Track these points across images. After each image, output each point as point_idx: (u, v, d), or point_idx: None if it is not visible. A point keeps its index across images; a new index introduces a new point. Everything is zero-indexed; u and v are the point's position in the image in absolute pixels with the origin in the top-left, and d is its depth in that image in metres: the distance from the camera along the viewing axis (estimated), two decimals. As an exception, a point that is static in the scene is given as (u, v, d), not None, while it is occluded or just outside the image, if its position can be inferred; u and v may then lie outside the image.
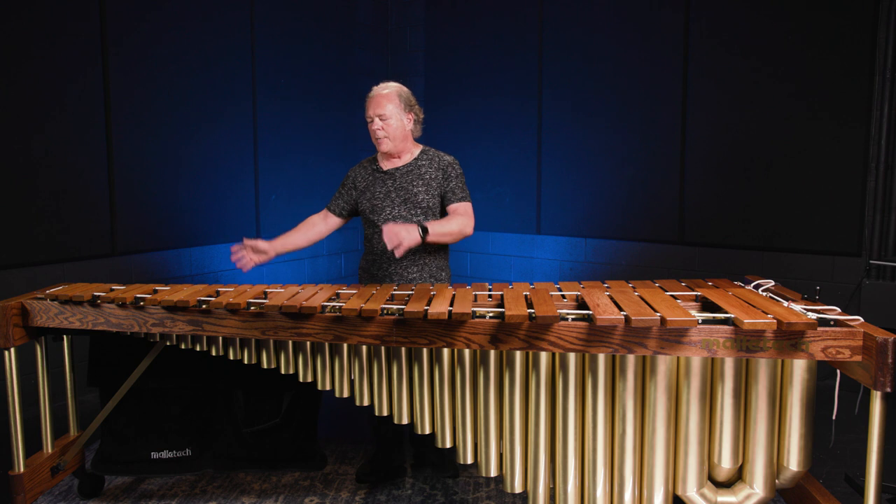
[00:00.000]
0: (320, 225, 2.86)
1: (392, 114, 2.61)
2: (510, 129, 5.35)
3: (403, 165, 2.69)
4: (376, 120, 2.60)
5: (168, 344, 2.43)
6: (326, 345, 2.19)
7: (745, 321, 1.68)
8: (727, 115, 4.35)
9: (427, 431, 2.07)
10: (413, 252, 2.64)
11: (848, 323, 1.71)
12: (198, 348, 2.37)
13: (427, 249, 2.67)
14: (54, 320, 2.41)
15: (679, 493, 1.84)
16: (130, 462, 2.77)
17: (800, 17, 4.04)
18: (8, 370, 2.42)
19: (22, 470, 2.44)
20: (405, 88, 2.70)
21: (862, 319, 1.74)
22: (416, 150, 2.74)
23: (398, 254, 2.37)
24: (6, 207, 3.53)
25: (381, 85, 2.68)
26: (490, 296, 2.20)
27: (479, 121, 5.48)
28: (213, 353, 2.35)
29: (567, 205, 5.12)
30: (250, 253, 2.67)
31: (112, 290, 2.46)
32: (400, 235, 2.35)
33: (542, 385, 1.90)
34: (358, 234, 5.43)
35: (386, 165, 2.71)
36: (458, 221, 2.60)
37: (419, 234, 2.42)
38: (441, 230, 2.53)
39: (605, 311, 1.80)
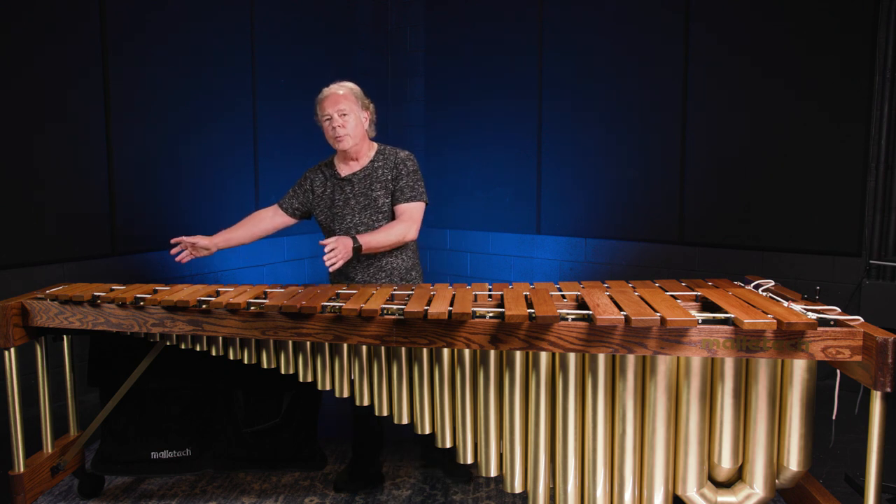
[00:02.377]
0: (267, 221, 2.78)
1: (350, 111, 2.56)
2: (510, 129, 5.34)
3: (361, 170, 2.64)
4: (335, 117, 2.55)
5: (168, 344, 2.43)
6: (326, 345, 2.19)
7: (745, 321, 1.68)
8: (727, 115, 4.35)
9: (427, 431, 2.07)
10: (377, 258, 2.62)
11: (848, 323, 1.71)
12: (198, 348, 2.36)
13: (392, 253, 2.64)
14: (54, 320, 2.41)
15: (679, 493, 1.84)
16: (130, 462, 2.77)
17: (800, 17, 4.04)
18: (8, 370, 2.42)
19: (22, 470, 2.44)
20: (358, 88, 2.65)
21: (862, 319, 1.74)
22: (372, 150, 2.68)
23: (332, 268, 2.37)
24: (6, 207, 3.53)
25: (335, 85, 2.62)
26: (490, 296, 2.20)
27: (479, 121, 5.48)
28: (213, 353, 2.35)
29: (567, 205, 5.12)
30: (190, 248, 2.62)
31: (112, 290, 2.46)
32: (338, 252, 2.36)
33: (542, 385, 1.90)
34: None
35: (344, 171, 2.66)
36: (398, 230, 2.56)
37: (352, 247, 2.43)
38: (376, 243, 2.51)
39: (605, 311, 1.80)
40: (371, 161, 2.65)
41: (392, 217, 2.63)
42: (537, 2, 5.12)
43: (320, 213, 2.69)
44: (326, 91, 2.61)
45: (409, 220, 2.58)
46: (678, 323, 1.71)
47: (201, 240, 2.61)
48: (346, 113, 2.56)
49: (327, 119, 2.57)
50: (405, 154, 2.67)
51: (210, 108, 4.53)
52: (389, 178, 2.62)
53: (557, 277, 5.18)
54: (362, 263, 2.62)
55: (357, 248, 2.45)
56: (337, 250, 2.36)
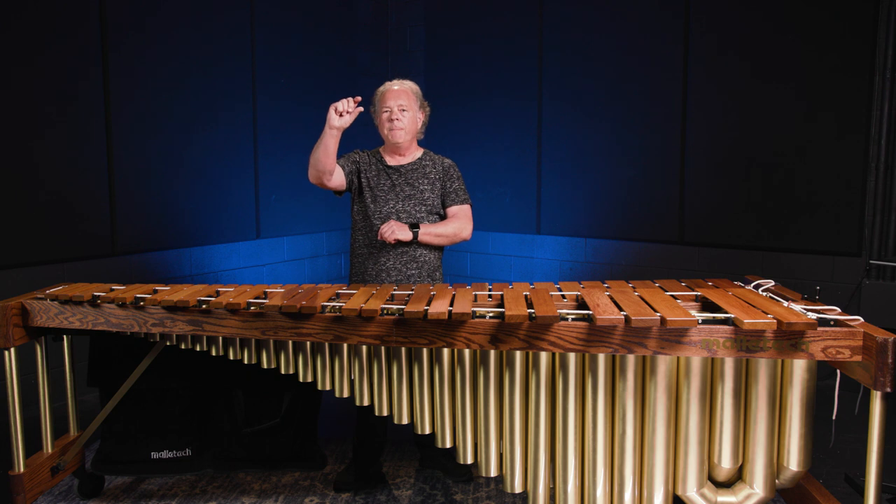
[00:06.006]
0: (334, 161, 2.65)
1: (409, 107, 2.67)
2: (510, 129, 5.35)
3: (408, 163, 2.73)
4: (394, 110, 2.64)
5: (168, 344, 2.43)
6: (326, 345, 2.19)
7: (745, 321, 1.68)
8: (727, 115, 4.35)
9: (427, 431, 2.07)
10: (413, 248, 2.66)
11: (848, 323, 1.71)
12: (198, 348, 2.36)
13: (428, 247, 2.69)
14: (54, 320, 2.41)
15: (679, 493, 1.84)
16: (130, 462, 2.77)
17: (800, 17, 4.04)
18: (8, 370, 2.42)
19: (22, 470, 2.44)
20: (418, 88, 2.75)
21: (862, 319, 1.74)
22: (419, 151, 2.78)
23: (387, 239, 2.55)
24: (6, 207, 3.53)
25: (397, 80, 2.72)
26: (490, 296, 2.20)
27: (479, 121, 5.48)
28: (213, 353, 2.35)
29: (567, 205, 5.12)
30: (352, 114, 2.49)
31: (112, 290, 2.46)
32: (393, 227, 2.54)
33: (542, 385, 1.90)
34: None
35: (390, 161, 2.74)
36: (455, 225, 2.70)
37: (410, 231, 2.60)
38: (434, 230, 2.65)
39: (605, 311, 1.80)
40: (419, 159, 2.75)
41: (434, 212, 2.72)
42: (537, 2, 5.12)
43: (364, 192, 2.70)
44: (389, 84, 2.70)
45: (463, 219, 2.72)
46: (678, 323, 1.71)
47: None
48: (406, 109, 2.65)
49: (386, 111, 2.65)
50: (450, 161, 2.79)
51: (210, 108, 4.53)
52: (436, 178, 2.72)
53: (557, 277, 5.18)
54: (396, 251, 2.66)
55: (415, 231, 2.61)
56: (391, 225, 2.56)
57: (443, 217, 2.75)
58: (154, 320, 2.28)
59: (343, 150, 2.65)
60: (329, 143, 2.52)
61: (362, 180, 2.71)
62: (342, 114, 2.47)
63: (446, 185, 2.73)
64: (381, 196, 2.68)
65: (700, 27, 4.41)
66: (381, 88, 2.71)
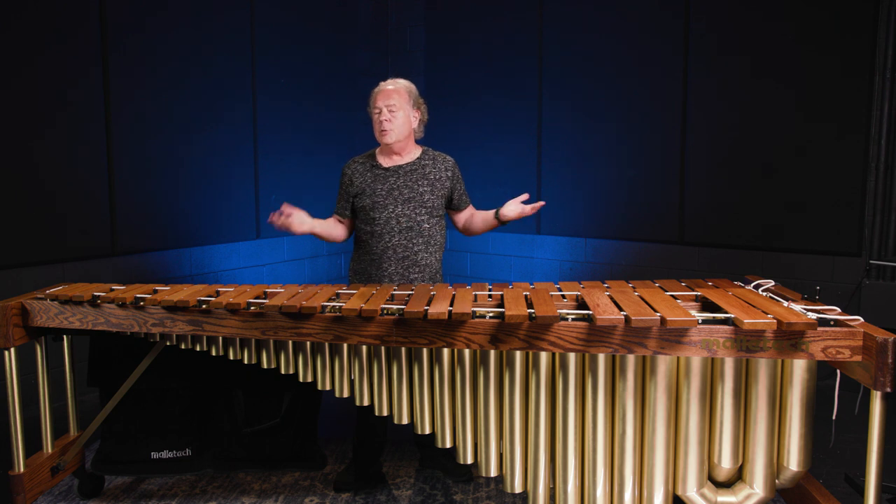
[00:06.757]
0: (339, 228, 2.81)
1: (400, 107, 2.64)
2: (510, 129, 5.34)
3: (406, 164, 2.70)
4: (384, 111, 2.62)
5: (168, 344, 2.43)
6: (326, 345, 2.19)
7: (745, 321, 1.68)
8: (727, 115, 4.35)
9: (427, 431, 2.07)
10: (415, 253, 2.65)
11: (848, 323, 1.71)
12: (198, 348, 2.37)
13: (428, 249, 2.68)
14: (54, 320, 2.41)
15: (679, 493, 1.84)
16: (130, 462, 2.77)
17: (800, 18, 4.04)
18: (8, 370, 2.42)
19: (22, 470, 2.44)
20: (413, 86, 2.73)
21: (862, 319, 1.74)
22: (418, 150, 2.76)
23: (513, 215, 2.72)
24: (7, 207, 3.53)
25: (391, 80, 2.71)
26: (490, 296, 2.20)
27: (479, 121, 5.48)
28: (213, 353, 2.35)
29: (567, 205, 5.12)
30: (284, 219, 2.59)
31: (112, 290, 2.46)
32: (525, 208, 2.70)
33: (542, 385, 1.90)
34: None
35: (386, 163, 2.71)
36: None
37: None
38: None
39: (605, 311, 1.80)
40: (418, 159, 2.72)
41: (434, 214, 2.71)
42: (537, 2, 5.12)
43: (361, 201, 2.70)
44: (382, 85, 2.70)
45: None
46: (678, 323, 1.71)
47: (301, 215, 2.64)
48: (395, 109, 2.63)
49: (377, 112, 2.65)
50: (452, 160, 2.79)
51: (210, 109, 4.53)
52: (437, 178, 2.70)
53: (557, 277, 5.18)
54: (398, 257, 2.65)
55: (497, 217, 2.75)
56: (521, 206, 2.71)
57: (441, 219, 2.75)
58: (154, 320, 2.28)
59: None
60: (322, 233, 2.73)
61: (360, 196, 2.69)
62: (285, 219, 2.57)
63: (457, 187, 2.76)
64: (379, 202, 2.66)
65: (700, 27, 4.41)
66: (375, 89, 2.70)
